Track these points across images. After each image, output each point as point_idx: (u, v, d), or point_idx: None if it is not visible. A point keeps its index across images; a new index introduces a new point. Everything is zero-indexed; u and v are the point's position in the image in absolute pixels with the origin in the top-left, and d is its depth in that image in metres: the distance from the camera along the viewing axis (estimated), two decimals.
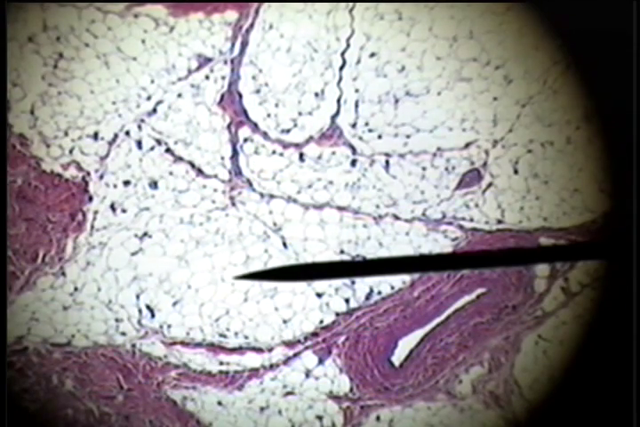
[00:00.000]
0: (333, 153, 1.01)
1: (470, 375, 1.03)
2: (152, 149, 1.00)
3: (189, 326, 1.01)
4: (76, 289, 1.00)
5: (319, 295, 1.01)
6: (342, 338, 1.02)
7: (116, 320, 1.01)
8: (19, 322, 1.00)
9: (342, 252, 1.01)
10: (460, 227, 1.01)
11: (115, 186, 1.00)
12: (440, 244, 1.01)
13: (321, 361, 1.02)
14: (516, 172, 1.01)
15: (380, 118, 1.00)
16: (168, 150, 1.00)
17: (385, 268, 0.95)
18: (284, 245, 1.01)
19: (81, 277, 1.00)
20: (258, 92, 1.00)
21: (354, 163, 1.01)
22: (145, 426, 1.02)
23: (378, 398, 1.02)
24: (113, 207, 1.00)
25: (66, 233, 0.99)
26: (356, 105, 1.00)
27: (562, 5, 0.97)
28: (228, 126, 1.00)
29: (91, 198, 1.00)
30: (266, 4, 0.98)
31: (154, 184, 1.00)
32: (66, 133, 0.99)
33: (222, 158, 1.00)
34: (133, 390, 1.01)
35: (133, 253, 1.00)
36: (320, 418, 1.02)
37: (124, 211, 1.00)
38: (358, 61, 0.99)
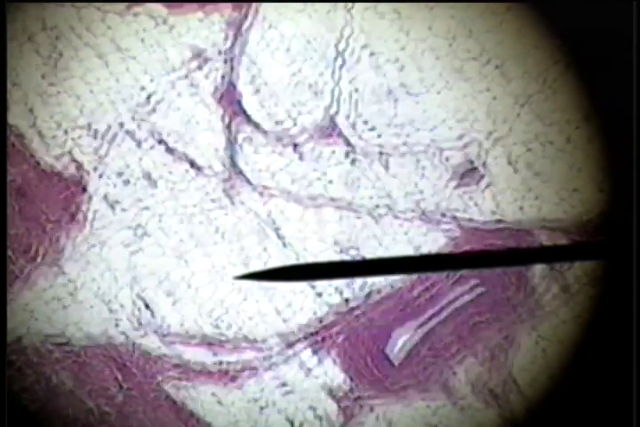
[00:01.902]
0: (332, 151, 1.00)
1: (469, 374, 1.03)
2: (151, 147, 1.00)
3: (188, 325, 1.01)
4: (75, 288, 1.00)
5: (319, 295, 1.01)
6: (341, 337, 1.02)
7: (116, 319, 1.01)
8: (18, 321, 1.00)
9: (342, 251, 1.01)
10: (459, 225, 1.01)
11: (114, 185, 1.00)
12: (439, 242, 1.01)
13: (320, 360, 1.02)
14: (515, 171, 1.01)
15: (379, 117, 1.00)
16: (167, 149, 1.00)
17: (385, 268, 0.95)
18: (284, 244, 1.01)
19: (80, 275, 1.00)
20: (256, 90, 0.99)
21: (353, 161, 1.01)
22: (144, 425, 1.02)
23: (377, 396, 1.02)
24: (112, 206, 1.00)
25: (65, 232, 0.99)
26: (355, 103, 1.00)
27: (561, 5, 0.96)
28: (227, 125, 1.00)
29: (90, 197, 1.00)
30: (265, 4, 0.98)
31: (153, 183, 1.00)
32: (65, 132, 0.99)
33: (221, 156, 1.00)
34: (132, 388, 1.02)
35: (132, 252, 1.00)
36: (319, 417, 1.02)
37: (122, 209, 1.00)
38: (358, 60, 0.99)
